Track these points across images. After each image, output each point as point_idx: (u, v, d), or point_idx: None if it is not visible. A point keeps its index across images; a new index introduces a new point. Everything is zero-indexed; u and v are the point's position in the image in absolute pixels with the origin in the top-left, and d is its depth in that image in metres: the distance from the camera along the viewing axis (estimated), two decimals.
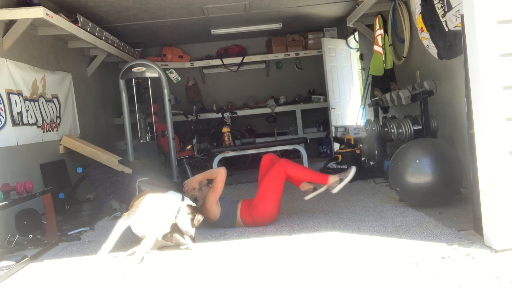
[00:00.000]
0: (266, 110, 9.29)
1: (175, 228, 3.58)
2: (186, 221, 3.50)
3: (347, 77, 8.89)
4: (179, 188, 4.18)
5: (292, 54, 9.33)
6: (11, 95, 4.64)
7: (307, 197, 4.22)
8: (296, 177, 4.14)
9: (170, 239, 3.57)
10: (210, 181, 4.14)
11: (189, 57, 9.51)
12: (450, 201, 4.10)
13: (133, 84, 7.02)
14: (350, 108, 8.87)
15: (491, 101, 2.81)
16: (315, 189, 4.19)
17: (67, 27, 5.21)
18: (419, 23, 4.67)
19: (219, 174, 3.97)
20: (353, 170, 4.12)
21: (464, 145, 4.32)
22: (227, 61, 9.45)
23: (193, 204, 3.60)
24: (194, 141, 8.17)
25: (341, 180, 4.07)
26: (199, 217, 3.50)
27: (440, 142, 4.36)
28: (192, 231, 3.55)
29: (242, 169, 8.13)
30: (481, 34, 2.80)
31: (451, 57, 4.43)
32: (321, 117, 9.34)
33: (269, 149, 6.89)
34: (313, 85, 9.58)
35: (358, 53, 8.42)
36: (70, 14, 5.73)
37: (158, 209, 3.51)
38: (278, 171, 4.03)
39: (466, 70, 3.06)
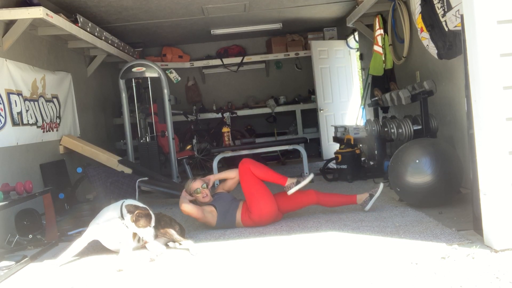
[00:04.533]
0: (266, 110, 9.29)
1: (166, 224, 3.60)
2: (129, 222, 3.42)
3: (344, 78, 8.89)
4: (178, 187, 4.20)
5: (292, 54, 9.32)
6: (11, 95, 4.63)
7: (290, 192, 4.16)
8: (257, 175, 4.07)
9: (163, 235, 3.58)
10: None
11: (189, 57, 9.50)
12: (450, 201, 4.10)
13: (133, 84, 7.03)
14: (346, 109, 8.89)
15: (491, 101, 2.81)
16: (298, 182, 4.16)
17: (67, 27, 5.21)
18: (419, 23, 4.67)
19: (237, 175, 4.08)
20: (310, 177, 4.14)
21: (464, 145, 4.32)
22: (227, 61, 9.45)
23: (134, 203, 3.52)
24: (194, 141, 8.17)
25: (297, 182, 4.07)
26: (137, 215, 3.41)
27: (440, 142, 4.36)
28: (145, 232, 3.43)
29: None
30: (481, 34, 2.80)
31: (451, 57, 4.43)
32: None
33: (269, 149, 6.91)
34: (313, 85, 9.58)
35: (358, 53, 8.43)
36: (70, 14, 5.73)
37: (104, 219, 3.51)
38: (242, 171, 4.08)
39: (466, 70, 3.06)
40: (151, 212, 3.48)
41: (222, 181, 4.38)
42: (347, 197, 4.27)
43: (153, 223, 3.45)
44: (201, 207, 4.00)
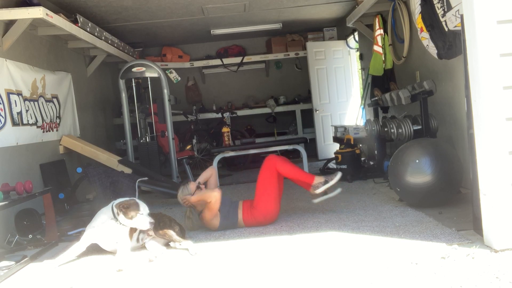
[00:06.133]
0: (266, 110, 9.29)
1: (166, 225, 3.61)
2: (123, 219, 3.45)
3: (342, 78, 8.89)
4: (178, 188, 4.19)
5: (292, 54, 9.33)
6: (11, 95, 4.63)
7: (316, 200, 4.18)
8: (285, 173, 4.10)
9: (163, 236, 3.58)
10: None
11: (189, 57, 9.50)
12: (450, 201, 4.10)
13: (133, 84, 7.03)
14: (345, 109, 8.91)
15: (491, 101, 2.81)
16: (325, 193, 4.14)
17: (67, 27, 5.21)
18: (418, 23, 4.67)
19: (214, 197, 3.89)
20: (339, 175, 4.12)
21: (464, 145, 4.32)
22: (227, 61, 9.45)
23: (122, 201, 3.53)
24: (194, 141, 8.17)
25: (326, 182, 4.08)
26: (123, 207, 3.43)
27: (440, 142, 4.36)
28: (138, 222, 3.43)
29: (242, 169, 8.14)
30: (481, 34, 2.80)
31: (451, 57, 4.43)
32: None
33: (269, 149, 6.91)
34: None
35: (358, 53, 8.43)
36: (70, 14, 5.73)
37: (99, 222, 3.53)
38: (267, 166, 4.06)
39: (466, 70, 3.06)
40: (136, 200, 3.49)
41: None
42: (306, 175, 4.17)
43: (142, 209, 3.44)
44: None
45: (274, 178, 4.05)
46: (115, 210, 3.47)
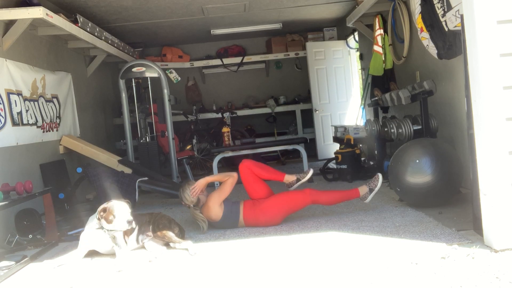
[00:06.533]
0: (266, 110, 9.29)
1: (165, 227, 3.60)
2: (105, 225, 3.43)
3: (342, 78, 8.90)
4: (178, 188, 4.19)
5: (292, 54, 9.32)
6: (11, 95, 4.63)
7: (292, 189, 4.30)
8: (327, 204, 4.22)
9: (162, 238, 3.58)
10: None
11: (189, 57, 9.50)
12: (450, 201, 4.10)
13: (133, 84, 7.02)
14: (345, 109, 8.92)
15: (491, 101, 2.81)
16: (298, 180, 4.27)
17: (67, 27, 5.21)
18: (418, 23, 4.67)
19: (232, 177, 4.04)
20: (380, 178, 4.17)
21: (464, 145, 4.32)
22: (227, 61, 9.45)
23: (100, 207, 3.50)
24: (194, 141, 8.17)
25: (371, 191, 4.14)
26: (106, 217, 3.41)
27: (440, 142, 4.36)
28: (117, 225, 3.40)
29: None
30: (481, 34, 2.80)
31: (451, 57, 4.43)
32: None
33: (269, 149, 6.91)
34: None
35: (358, 53, 8.43)
36: (70, 14, 5.73)
37: (90, 230, 3.53)
38: (305, 200, 4.06)
39: (466, 70, 3.07)
40: (112, 201, 3.44)
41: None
42: (348, 192, 4.22)
43: (117, 210, 3.39)
44: None
45: (300, 207, 4.10)
46: (99, 219, 3.44)
